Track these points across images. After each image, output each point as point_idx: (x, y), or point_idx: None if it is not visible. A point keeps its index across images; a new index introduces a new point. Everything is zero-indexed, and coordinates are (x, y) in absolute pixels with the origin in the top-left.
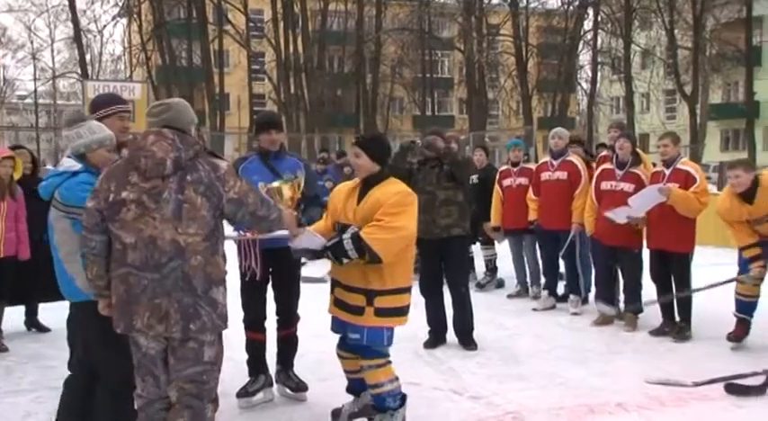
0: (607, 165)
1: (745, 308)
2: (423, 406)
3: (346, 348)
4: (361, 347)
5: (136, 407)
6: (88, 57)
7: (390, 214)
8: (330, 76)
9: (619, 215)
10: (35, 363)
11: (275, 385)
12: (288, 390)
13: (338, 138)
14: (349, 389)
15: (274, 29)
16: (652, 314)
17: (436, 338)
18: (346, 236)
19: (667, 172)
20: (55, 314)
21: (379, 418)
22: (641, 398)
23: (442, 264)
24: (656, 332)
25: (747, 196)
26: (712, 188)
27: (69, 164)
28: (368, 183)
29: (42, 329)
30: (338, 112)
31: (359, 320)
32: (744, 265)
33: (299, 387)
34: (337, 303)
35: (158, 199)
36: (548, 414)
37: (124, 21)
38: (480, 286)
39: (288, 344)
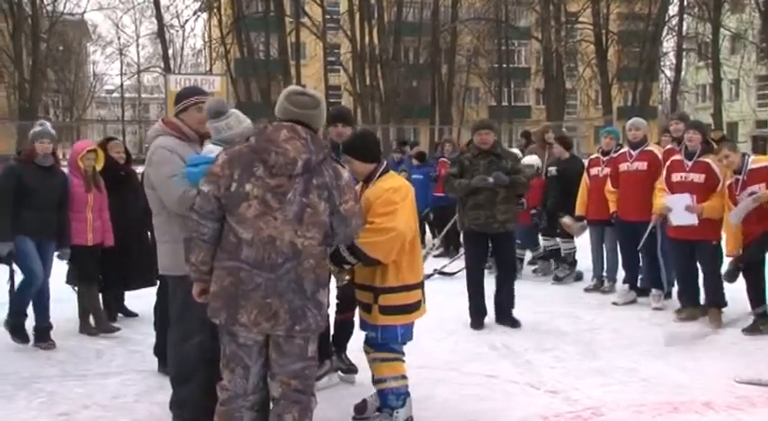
0: (677, 157)
1: None
2: (499, 399)
3: (368, 344)
4: (376, 342)
5: (219, 400)
6: (171, 51)
7: (380, 215)
8: (405, 67)
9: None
10: (123, 348)
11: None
12: (339, 372)
13: (413, 129)
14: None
15: (350, 20)
16: (737, 309)
17: (478, 319)
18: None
19: (740, 177)
20: (141, 301)
21: (380, 416)
22: (729, 397)
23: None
24: (750, 329)
25: None
26: None
27: (209, 149)
28: (367, 182)
29: (129, 314)
30: (413, 104)
31: (369, 318)
32: None
33: (350, 369)
34: (356, 301)
35: (282, 199)
36: (628, 411)
37: (205, 15)
38: (558, 279)
39: (345, 328)
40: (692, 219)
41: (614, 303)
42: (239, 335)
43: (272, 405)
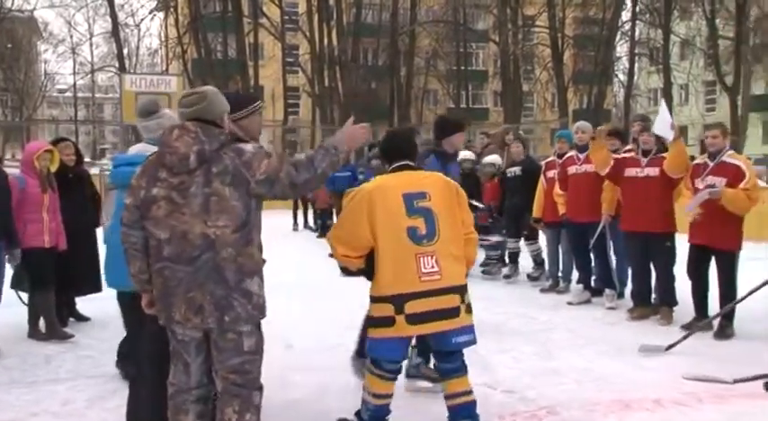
0: (632, 154)
1: None
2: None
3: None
4: None
5: (168, 395)
6: (126, 50)
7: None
8: (364, 69)
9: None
10: (73, 353)
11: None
12: (428, 383)
13: (372, 131)
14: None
15: (309, 21)
16: (688, 309)
17: None
18: None
19: (711, 164)
20: (93, 304)
21: None
22: (677, 393)
23: None
24: (688, 326)
25: None
26: (763, 183)
27: (142, 149)
28: None
29: (81, 318)
30: (372, 105)
31: None
32: None
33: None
34: None
35: (186, 194)
36: (582, 409)
37: (161, 14)
38: (533, 278)
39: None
40: (668, 135)
41: (569, 303)
42: (177, 331)
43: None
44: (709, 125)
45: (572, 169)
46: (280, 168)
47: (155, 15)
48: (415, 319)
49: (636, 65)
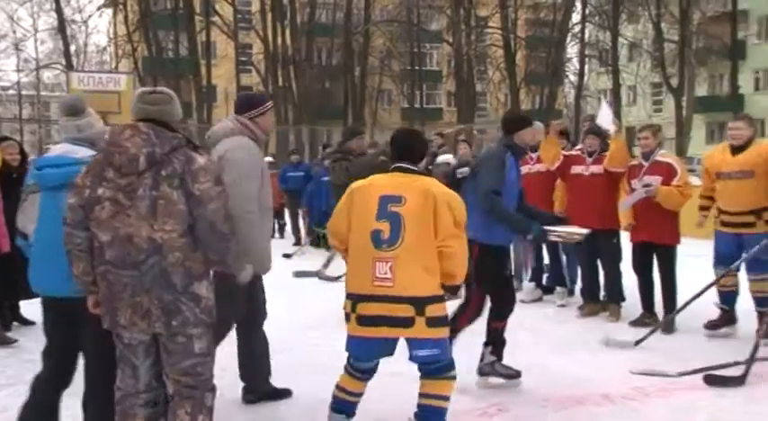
0: (574, 152)
1: (724, 299)
2: (408, 398)
3: None
4: None
5: (115, 400)
6: (73, 47)
7: None
8: (318, 69)
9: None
10: (16, 357)
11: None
12: (503, 379)
13: (326, 131)
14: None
15: (262, 20)
16: (636, 304)
17: None
18: None
19: (646, 164)
20: (38, 308)
21: None
22: (625, 388)
23: None
24: (636, 323)
25: (736, 149)
26: (698, 181)
27: (69, 149)
28: None
29: (26, 322)
30: (326, 105)
31: None
32: (719, 258)
33: (512, 375)
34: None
35: (133, 196)
36: (534, 405)
37: (109, 11)
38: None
39: (500, 336)
40: (609, 127)
41: (521, 301)
42: (123, 335)
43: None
44: (642, 127)
45: (524, 169)
46: (215, 199)
47: (103, 12)
48: (364, 321)
49: (586, 66)
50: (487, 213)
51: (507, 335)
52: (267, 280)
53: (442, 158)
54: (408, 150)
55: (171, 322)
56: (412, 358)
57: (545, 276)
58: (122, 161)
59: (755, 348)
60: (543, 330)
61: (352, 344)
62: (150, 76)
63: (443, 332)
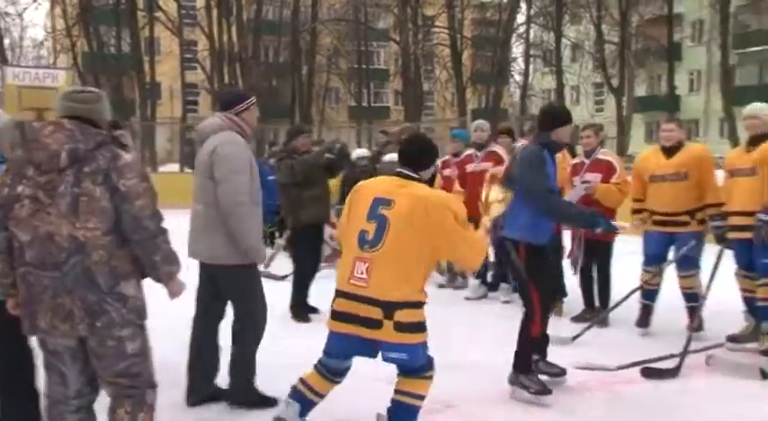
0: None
1: (647, 295)
2: (355, 395)
3: None
4: None
5: (43, 408)
6: (7, 41)
7: None
8: (265, 66)
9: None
10: None
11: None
12: (548, 377)
13: (273, 129)
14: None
15: (207, 17)
16: (575, 300)
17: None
18: None
19: (587, 162)
20: None
21: None
22: (568, 382)
23: None
24: (578, 319)
25: (669, 151)
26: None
27: None
28: None
29: None
30: (273, 103)
31: None
32: (649, 258)
33: (557, 373)
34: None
35: (53, 193)
36: (478, 401)
37: (47, 4)
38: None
39: (545, 336)
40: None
41: (467, 298)
42: (47, 342)
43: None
44: (584, 126)
45: (470, 167)
46: (141, 195)
47: (39, 5)
48: (336, 316)
49: (531, 66)
50: (542, 213)
51: (452, 332)
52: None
53: (388, 157)
54: (413, 157)
55: (95, 323)
56: (383, 358)
57: (489, 273)
58: (42, 158)
59: (688, 341)
60: (488, 326)
61: (328, 337)
62: (91, 73)
63: (415, 338)
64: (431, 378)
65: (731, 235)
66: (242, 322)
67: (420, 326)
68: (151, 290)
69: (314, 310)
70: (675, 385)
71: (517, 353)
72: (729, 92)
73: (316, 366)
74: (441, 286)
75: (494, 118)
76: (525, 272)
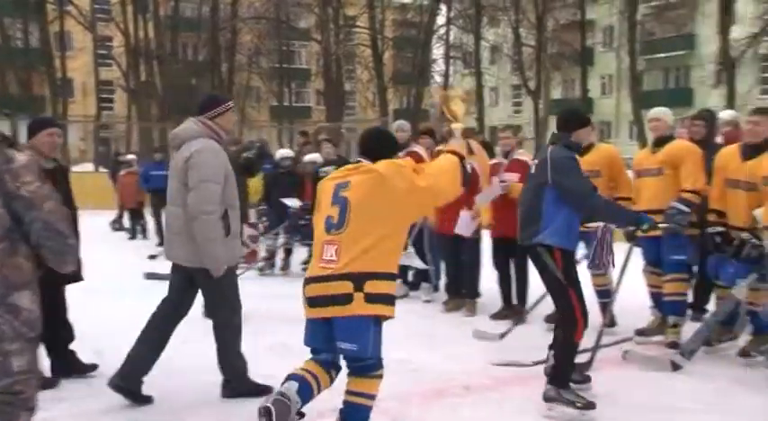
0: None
1: (600, 294)
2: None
3: None
4: None
5: None
6: None
7: None
8: (184, 64)
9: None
10: None
11: None
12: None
13: None
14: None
15: (122, 12)
16: (492, 297)
17: None
18: None
19: (505, 162)
20: None
21: None
22: (486, 379)
23: None
24: (497, 316)
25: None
26: None
27: None
28: None
29: None
30: (193, 101)
31: None
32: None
33: (583, 380)
34: None
35: None
36: (399, 400)
37: None
38: None
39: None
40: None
41: None
42: None
43: None
44: (503, 127)
45: None
46: (46, 199)
47: None
48: (310, 302)
49: (451, 67)
50: (590, 213)
51: None
52: (118, 284)
53: (308, 158)
54: (369, 148)
55: None
56: (336, 350)
57: (411, 273)
58: None
59: (599, 336)
60: (409, 325)
61: (305, 328)
62: None
63: (386, 310)
64: (381, 377)
65: (639, 232)
66: (218, 320)
67: (389, 299)
68: None
69: None
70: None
71: (557, 367)
72: (638, 96)
73: (348, 369)
74: None
75: (415, 118)
76: (564, 278)
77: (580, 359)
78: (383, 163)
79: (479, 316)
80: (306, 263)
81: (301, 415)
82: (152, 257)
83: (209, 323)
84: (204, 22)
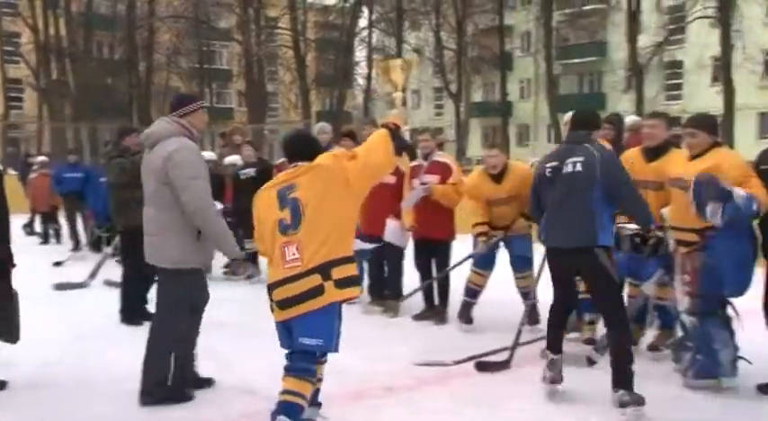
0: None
1: (471, 293)
2: (203, 400)
3: None
4: None
5: None
6: None
7: None
8: (99, 63)
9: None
10: None
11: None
12: None
13: (109, 128)
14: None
15: (31, 8)
16: (415, 299)
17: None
18: None
19: (425, 164)
20: None
21: None
22: (408, 379)
23: None
24: (419, 317)
25: (497, 177)
26: None
27: None
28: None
29: None
30: (109, 101)
31: None
32: (479, 260)
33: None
34: None
35: None
36: (327, 403)
37: None
38: (250, 277)
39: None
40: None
41: None
42: None
43: None
44: (422, 129)
45: None
46: None
47: None
48: (282, 304)
49: (373, 70)
50: (634, 203)
51: (269, 334)
52: (29, 291)
53: (228, 160)
54: (297, 152)
55: None
56: (296, 344)
57: None
58: None
59: (518, 335)
60: None
61: (277, 331)
62: None
63: (355, 291)
64: (313, 381)
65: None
66: (159, 323)
67: (357, 280)
68: None
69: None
70: (508, 376)
71: (620, 369)
72: (554, 99)
73: (285, 369)
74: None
75: (338, 121)
76: (616, 279)
77: (500, 357)
78: (321, 157)
79: (402, 317)
80: (227, 266)
81: (319, 405)
82: (57, 264)
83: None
84: (120, 19)
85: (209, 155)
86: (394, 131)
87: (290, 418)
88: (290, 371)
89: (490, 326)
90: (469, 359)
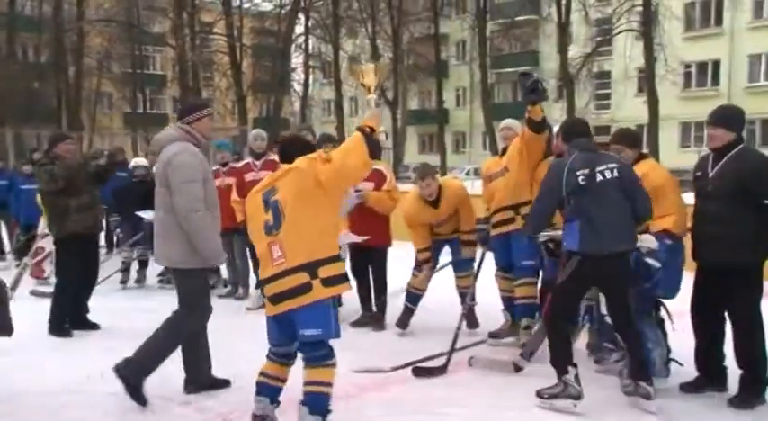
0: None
1: (413, 298)
2: (132, 412)
3: None
4: None
5: None
6: None
7: None
8: (23, 66)
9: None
10: None
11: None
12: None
13: (36, 134)
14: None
15: None
16: (352, 308)
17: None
18: None
19: None
20: None
21: None
22: (347, 386)
23: None
24: (357, 323)
25: (434, 203)
26: (411, 187)
27: None
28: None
29: None
30: (35, 106)
31: None
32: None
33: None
34: None
35: None
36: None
37: None
38: (211, 287)
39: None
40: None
41: (248, 309)
42: None
43: None
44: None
45: (249, 176)
46: None
47: None
48: (273, 300)
49: (310, 77)
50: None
51: (235, 343)
52: None
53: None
54: (292, 155)
55: None
56: (299, 338)
57: None
58: None
59: (454, 340)
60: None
61: (267, 326)
62: None
63: (343, 288)
64: (335, 365)
65: (494, 232)
66: (171, 318)
67: (344, 278)
68: None
69: (94, 327)
70: (444, 381)
71: (640, 362)
72: (489, 108)
73: (267, 355)
74: (221, 297)
75: (275, 127)
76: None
77: (436, 363)
78: (298, 160)
79: (340, 324)
80: (162, 275)
81: (277, 403)
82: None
83: None
84: (46, 21)
85: (140, 161)
86: (368, 134)
87: (314, 408)
88: (308, 362)
89: (430, 330)
90: (407, 365)
